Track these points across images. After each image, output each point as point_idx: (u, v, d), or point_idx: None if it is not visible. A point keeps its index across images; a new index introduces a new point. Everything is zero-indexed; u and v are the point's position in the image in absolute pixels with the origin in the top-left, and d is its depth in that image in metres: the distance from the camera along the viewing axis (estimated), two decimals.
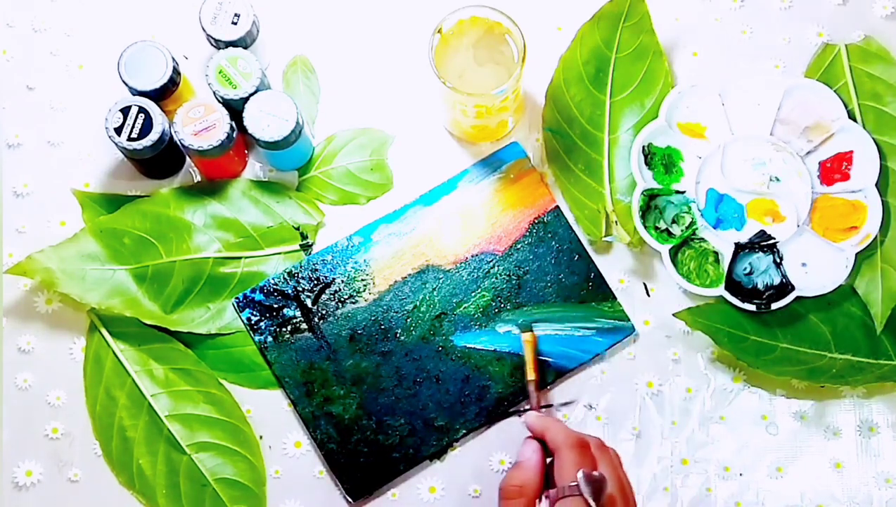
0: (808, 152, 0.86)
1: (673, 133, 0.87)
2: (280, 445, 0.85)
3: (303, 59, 0.90)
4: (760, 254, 0.85)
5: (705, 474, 0.84)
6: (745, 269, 0.85)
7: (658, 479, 0.84)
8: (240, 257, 0.86)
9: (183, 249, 0.86)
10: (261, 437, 0.85)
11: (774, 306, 0.84)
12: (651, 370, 0.85)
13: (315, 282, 0.85)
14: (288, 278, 0.85)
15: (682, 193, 0.86)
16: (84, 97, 0.89)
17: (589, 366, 0.85)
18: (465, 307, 0.85)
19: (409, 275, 0.86)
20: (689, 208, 0.86)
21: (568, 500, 0.71)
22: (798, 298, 0.84)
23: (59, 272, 0.84)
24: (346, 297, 0.85)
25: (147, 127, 0.82)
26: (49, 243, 0.85)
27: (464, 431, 0.84)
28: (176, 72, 0.84)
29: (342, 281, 0.86)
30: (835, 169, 0.86)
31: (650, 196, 0.86)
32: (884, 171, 0.86)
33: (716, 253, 0.85)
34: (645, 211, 0.86)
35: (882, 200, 0.85)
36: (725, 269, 0.85)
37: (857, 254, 0.84)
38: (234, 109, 0.83)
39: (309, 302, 0.85)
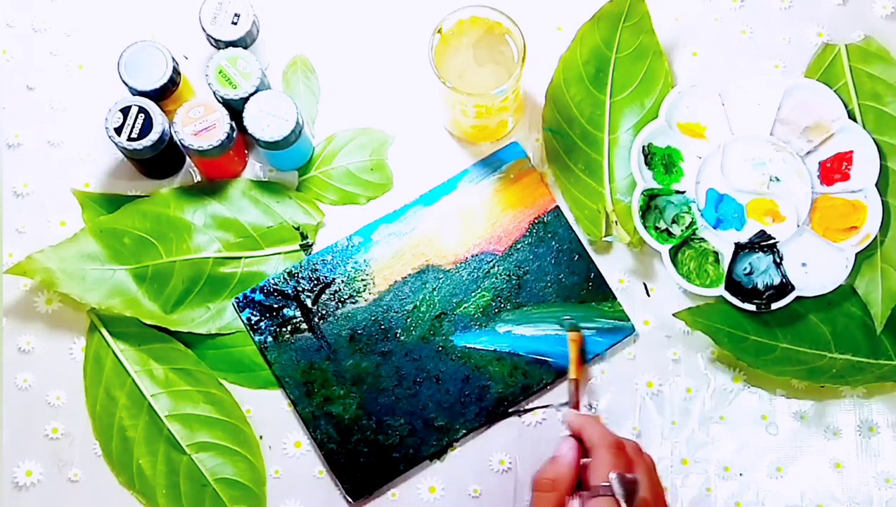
0: (808, 152, 0.86)
1: (673, 133, 0.87)
2: (280, 445, 0.85)
3: (303, 59, 0.90)
4: (760, 254, 0.85)
5: (705, 474, 0.84)
6: (745, 269, 0.85)
7: None
8: (240, 257, 0.86)
9: (183, 250, 0.86)
10: (261, 437, 0.85)
11: (774, 306, 0.84)
12: (651, 370, 0.85)
13: (315, 282, 0.85)
14: (288, 278, 0.85)
15: (682, 193, 0.86)
16: (84, 97, 0.89)
17: (589, 366, 0.85)
18: (465, 307, 0.85)
19: (409, 275, 0.86)
20: (689, 208, 0.86)
21: (600, 500, 0.70)
22: (798, 298, 0.84)
23: (59, 272, 0.84)
24: (346, 297, 0.85)
25: (147, 127, 0.82)
26: (49, 243, 0.85)
27: (464, 431, 0.84)
28: (176, 72, 0.84)
29: (342, 281, 0.86)
30: (835, 169, 0.86)
31: (650, 196, 0.86)
32: (884, 171, 0.86)
33: (716, 253, 0.85)
34: (645, 211, 0.86)
35: (882, 200, 0.85)
36: (725, 269, 0.85)
37: (857, 254, 0.84)
38: (234, 109, 0.83)
39: (309, 302, 0.85)
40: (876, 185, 0.85)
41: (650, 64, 0.88)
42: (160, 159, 0.85)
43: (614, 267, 0.86)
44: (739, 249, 0.85)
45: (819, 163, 0.86)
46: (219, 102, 0.83)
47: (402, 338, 0.85)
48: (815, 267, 0.85)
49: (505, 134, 0.89)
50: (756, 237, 0.85)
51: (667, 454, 0.84)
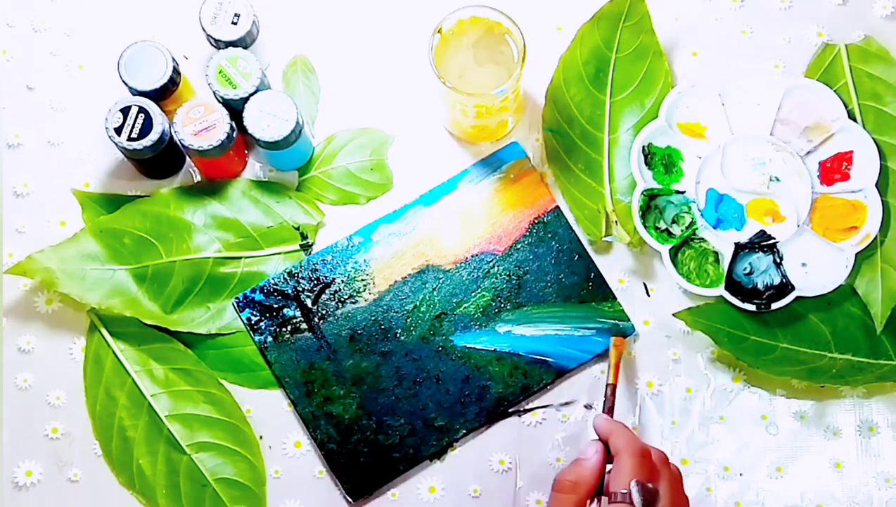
0: (808, 152, 0.86)
1: (673, 133, 0.87)
2: (280, 445, 0.85)
3: (303, 59, 0.90)
4: (760, 254, 0.85)
5: (705, 474, 0.84)
6: (745, 269, 0.85)
7: None
8: (240, 257, 0.86)
9: (183, 250, 0.86)
10: (261, 437, 0.85)
11: (774, 306, 0.84)
12: (651, 370, 0.85)
13: (315, 282, 0.85)
14: (288, 278, 0.85)
15: (682, 193, 0.86)
16: (84, 97, 0.89)
17: (589, 366, 0.85)
18: (465, 307, 0.85)
19: (409, 275, 0.86)
20: (689, 208, 0.86)
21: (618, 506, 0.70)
22: (798, 298, 0.84)
23: (59, 272, 0.84)
24: (346, 297, 0.85)
25: (147, 127, 0.82)
26: (49, 243, 0.85)
27: (464, 431, 0.84)
28: (176, 72, 0.84)
29: (342, 281, 0.86)
30: (835, 169, 0.86)
31: (650, 196, 0.86)
32: (884, 171, 0.86)
33: (716, 253, 0.85)
34: (645, 211, 0.86)
35: (882, 200, 0.85)
36: (725, 269, 0.85)
37: (857, 254, 0.84)
38: (234, 109, 0.83)
39: (309, 302, 0.85)
40: (876, 185, 0.85)
41: (650, 64, 0.88)
42: (160, 159, 0.85)
43: (614, 267, 0.86)
44: (739, 249, 0.85)
45: (819, 163, 0.86)
46: (219, 102, 0.83)
47: (402, 338, 0.85)
48: (815, 267, 0.85)
49: (505, 134, 0.89)
50: (756, 237, 0.85)
51: (667, 454, 0.84)
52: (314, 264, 0.86)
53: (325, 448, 0.83)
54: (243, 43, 0.84)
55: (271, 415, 0.85)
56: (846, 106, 0.86)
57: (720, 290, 0.84)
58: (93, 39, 0.90)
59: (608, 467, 0.75)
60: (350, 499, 0.83)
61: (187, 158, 0.88)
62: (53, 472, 0.84)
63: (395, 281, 0.86)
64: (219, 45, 0.84)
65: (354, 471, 0.83)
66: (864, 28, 0.89)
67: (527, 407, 0.84)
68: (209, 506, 0.83)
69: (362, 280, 0.86)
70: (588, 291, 0.85)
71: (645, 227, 0.85)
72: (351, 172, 0.88)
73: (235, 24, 0.83)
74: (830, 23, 0.89)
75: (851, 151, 0.86)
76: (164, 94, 0.84)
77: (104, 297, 0.84)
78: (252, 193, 0.87)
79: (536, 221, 0.87)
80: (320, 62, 0.90)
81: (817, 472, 0.84)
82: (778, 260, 0.85)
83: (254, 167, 0.88)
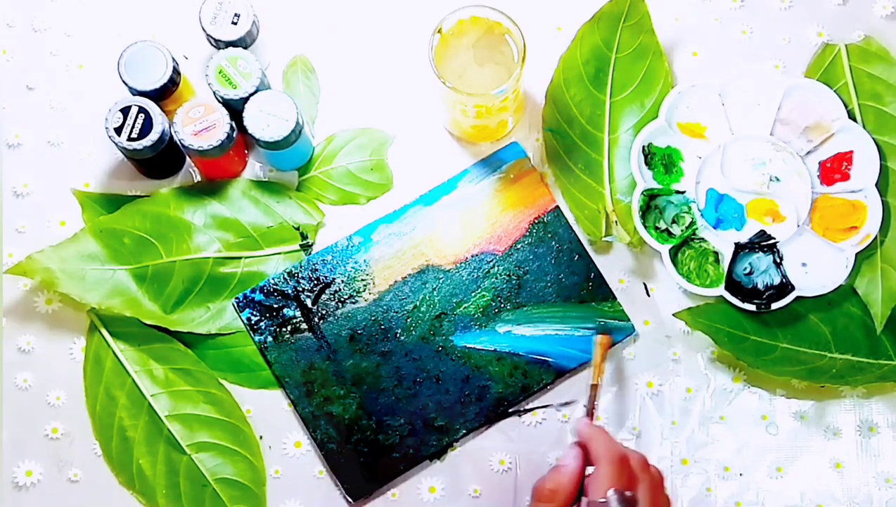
0: (808, 152, 0.86)
1: (673, 133, 0.87)
2: (280, 445, 0.85)
3: (303, 59, 0.90)
4: (760, 254, 0.85)
5: (705, 474, 0.84)
6: (745, 269, 0.85)
7: None
8: (240, 257, 0.86)
9: (183, 249, 0.86)
10: (261, 437, 0.85)
11: (774, 306, 0.84)
12: (651, 370, 0.85)
13: (315, 282, 0.85)
14: (288, 278, 0.85)
15: (682, 193, 0.86)
16: (84, 97, 0.89)
17: (589, 366, 0.85)
18: (465, 307, 0.85)
19: (409, 275, 0.86)
20: (689, 208, 0.86)
21: None
22: (798, 298, 0.84)
23: (59, 272, 0.84)
24: (346, 297, 0.85)
25: (147, 127, 0.82)
26: (49, 243, 0.85)
27: (464, 431, 0.84)
28: (176, 72, 0.84)
29: (342, 281, 0.86)
30: (835, 169, 0.86)
31: (650, 196, 0.86)
32: (884, 171, 0.86)
33: (716, 253, 0.85)
34: (645, 211, 0.86)
35: (882, 200, 0.85)
36: (725, 269, 0.84)
37: (857, 254, 0.84)
38: (234, 109, 0.83)
39: (309, 302, 0.85)
40: (876, 185, 0.85)
41: (650, 64, 0.88)
42: (160, 159, 0.85)
43: (614, 267, 0.86)
44: (739, 249, 0.85)
45: (819, 163, 0.86)
46: (219, 102, 0.83)
47: (402, 338, 0.85)
48: (815, 267, 0.85)
49: (505, 134, 0.89)
50: (756, 237, 0.85)
51: (667, 454, 0.84)
52: (314, 264, 0.86)
53: (325, 448, 0.83)
54: (243, 43, 0.84)
55: (271, 415, 0.85)
56: (846, 106, 0.86)
57: (720, 290, 0.84)
58: (93, 39, 0.90)
59: (589, 469, 0.74)
60: (350, 499, 0.83)
61: (187, 158, 0.88)
62: (53, 472, 0.84)
63: (395, 281, 0.86)
64: (219, 45, 0.84)
65: (354, 471, 0.83)
66: (864, 28, 0.89)
67: (527, 407, 0.84)
68: (209, 506, 0.83)
69: (362, 280, 0.86)
70: (588, 291, 0.85)
71: (645, 227, 0.85)
72: (351, 172, 0.88)
73: (235, 24, 0.83)
74: (830, 23, 0.89)
75: (851, 151, 0.86)
76: (164, 94, 0.84)
77: (104, 297, 0.84)
78: (252, 193, 0.87)
79: (536, 221, 0.87)
80: (320, 62, 0.90)
81: (817, 472, 0.84)
82: (778, 260, 0.85)
83: (254, 167, 0.88)
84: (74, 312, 0.86)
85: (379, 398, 0.84)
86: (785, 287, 0.84)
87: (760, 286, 0.84)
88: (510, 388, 0.84)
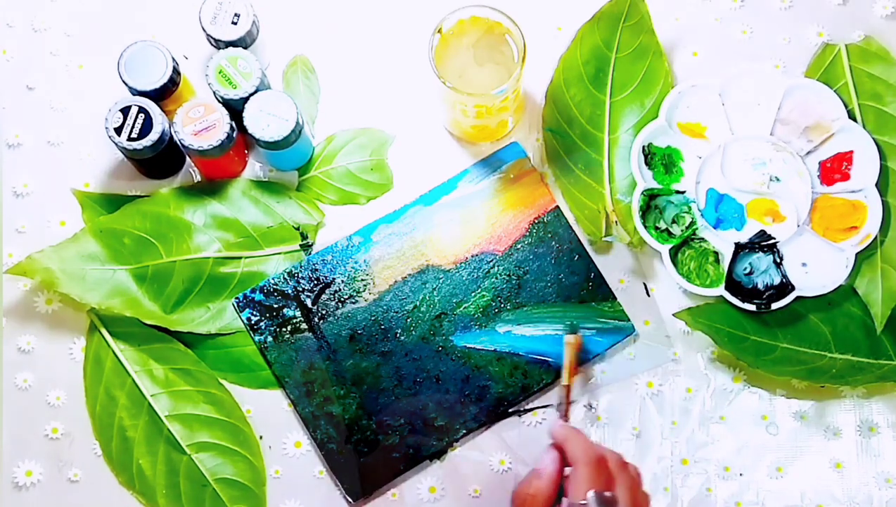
0: (808, 152, 0.86)
1: (673, 133, 0.87)
2: (280, 445, 0.85)
3: (303, 59, 0.90)
4: (760, 254, 0.85)
5: (705, 474, 0.84)
6: (745, 269, 0.85)
7: (658, 479, 0.84)
8: (240, 257, 0.86)
9: (183, 249, 0.86)
10: (261, 437, 0.85)
11: (774, 306, 0.84)
12: (651, 370, 0.85)
13: (315, 282, 0.85)
14: (288, 278, 0.85)
15: (682, 193, 0.86)
16: (84, 97, 0.89)
17: (589, 366, 0.85)
18: (465, 307, 0.85)
19: (409, 275, 0.86)
20: (689, 208, 0.86)
21: None
22: (798, 298, 0.84)
23: (59, 272, 0.84)
24: (346, 297, 0.85)
25: (147, 127, 0.82)
26: (49, 243, 0.85)
27: (464, 431, 0.84)
28: (176, 72, 0.84)
29: (342, 281, 0.86)
30: (835, 169, 0.86)
31: (650, 196, 0.86)
32: (884, 171, 0.86)
33: (716, 253, 0.85)
34: (645, 211, 0.86)
35: (882, 200, 0.85)
36: (725, 269, 0.84)
37: (857, 254, 0.84)
38: (234, 109, 0.83)
39: (309, 302, 0.85)
40: (876, 185, 0.85)
41: (650, 64, 0.88)
42: (160, 159, 0.85)
43: (614, 267, 0.86)
44: (739, 249, 0.85)
45: (819, 163, 0.86)
46: (219, 102, 0.83)
47: (402, 338, 0.85)
48: (816, 267, 0.85)
49: (505, 134, 0.89)
50: (756, 237, 0.85)
51: (667, 454, 0.84)
52: (314, 264, 0.86)
53: (325, 448, 0.83)
54: (243, 43, 0.84)
55: (271, 415, 0.85)
56: (846, 106, 0.86)
57: (720, 290, 0.84)
58: (93, 39, 0.90)
59: (567, 470, 0.74)
60: (350, 499, 0.83)
61: (187, 158, 0.88)
62: (53, 472, 0.84)
63: (395, 281, 0.86)
64: (219, 45, 0.84)
65: (354, 471, 0.83)
66: (864, 28, 0.89)
67: (527, 407, 0.84)
68: (209, 506, 0.83)
69: (362, 280, 0.86)
70: (588, 291, 0.86)
71: (645, 227, 0.85)
72: (351, 172, 0.88)
73: (235, 24, 0.83)
74: (830, 23, 0.89)
75: (851, 151, 0.86)
76: (164, 94, 0.84)
77: (104, 297, 0.84)
78: (252, 193, 0.87)
79: (536, 221, 0.87)
80: (320, 62, 0.90)
81: (817, 472, 0.84)
82: (778, 260, 0.85)
83: (254, 167, 0.88)
84: (74, 312, 0.86)
85: (379, 398, 0.84)
86: (785, 287, 0.84)
87: (760, 286, 0.84)
88: (510, 388, 0.84)
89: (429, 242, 0.86)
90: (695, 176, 0.86)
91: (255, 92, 0.82)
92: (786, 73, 0.89)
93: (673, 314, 0.85)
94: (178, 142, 0.83)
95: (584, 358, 0.84)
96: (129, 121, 0.82)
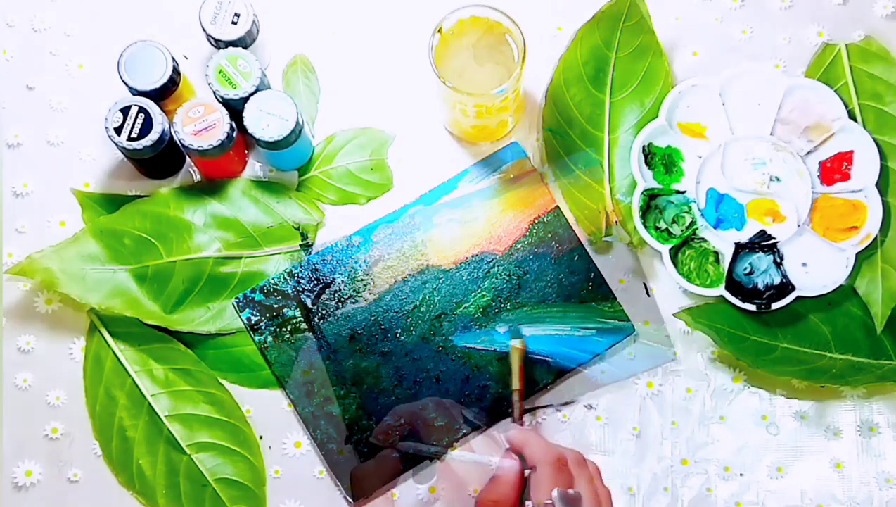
0: (809, 152, 0.86)
1: (673, 133, 0.87)
2: (280, 445, 0.85)
3: (303, 59, 0.90)
4: (761, 254, 0.85)
5: (705, 474, 0.84)
6: (745, 269, 0.85)
7: (658, 479, 0.84)
8: (240, 257, 0.86)
9: (183, 249, 0.86)
10: (261, 437, 0.85)
11: (774, 306, 0.84)
12: (651, 370, 0.85)
13: (315, 282, 0.85)
14: (288, 278, 0.85)
15: (682, 192, 0.86)
16: (84, 97, 0.89)
17: (589, 366, 0.85)
18: (465, 307, 0.85)
19: (409, 275, 0.86)
20: (690, 208, 0.86)
21: None
22: (798, 298, 0.84)
23: (60, 273, 0.84)
24: (346, 297, 0.85)
25: (147, 127, 0.82)
26: (49, 243, 0.85)
27: (464, 431, 0.84)
28: (176, 72, 0.84)
29: (342, 281, 0.86)
30: (835, 169, 0.86)
31: (650, 196, 0.86)
32: (884, 171, 0.86)
33: (716, 253, 0.85)
34: (645, 211, 0.86)
35: (882, 200, 0.85)
36: (725, 269, 0.84)
37: (857, 254, 0.84)
38: (234, 108, 0.83)
39: (309, 302, 0.85)
40: (876, 185, 0.85)
41: (650, 64, 0.88)
42: (160, 159, 0.85)
43: (614, 267, 0.86)
44: (739, 249, 0.85)
45: (819, 163, 0.86)
46: (219, 101, 0.83)
47: (402, 338, 0.85)
48: (816, 267, 0.85)
49: (505, 134, 0.89)
50: (756, 237, 0.85)
51: (667, 454, 0.84)
52: (314, 264, 0.86)
53: (325, 448, 0.83)
54: (243, 43, 0.84)
55: (271, 415, 0.85)
56: (846, 106, 0.86)
57: (720, 290, 0.84)
58: (93, 39, 0.90)
59: (526, 472, 0.74)
60: (350, 499, 0.83)
61: (187, 158, 0.88)
62: (53, 472, 0.84)
63: (395, 281, 0.86)
64: (219, 45, 0.84)
65: (354, 471, 0.83)
66: (865, 28, 0.89)
67: (527, 407, 0.84)
68: (209, 506, 0.83)
69: (362, 280, 0.86)
70: (588, 291, 0.85)
71: (645, 227, 0.85)
72: (351, 172, 0.88)
73: (235, 24, 0.83)
74: (830, 22, 0.89)
75: (852, 151, 0.86)
76: (164, 94, 0.84)
77: (104, 297, 0.84)
78: (252, 193, 0.87)
79: (536, 221, 0.87)
80: (320, 62, 0.90)
81: (818, 472, 0.84)
82: (778, 260, 0.85)
83: (254, 167, 0.88)
84: (74, 312, 0.86)
85: (379, 398, 0.84)
86: (785, 287, 0.84)
87: (761, 286, 0.84)
88: (510, 388, 0.84)
89: (429, 242, 0.86)
90: (695, 176, 0.86)
91: (255, 92, 0.82)
92: (786, 72, 0.89)
93: (673, 314, 0.85)
94: (178, 142, 0.83)
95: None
96: (129, 121, 0.82)
